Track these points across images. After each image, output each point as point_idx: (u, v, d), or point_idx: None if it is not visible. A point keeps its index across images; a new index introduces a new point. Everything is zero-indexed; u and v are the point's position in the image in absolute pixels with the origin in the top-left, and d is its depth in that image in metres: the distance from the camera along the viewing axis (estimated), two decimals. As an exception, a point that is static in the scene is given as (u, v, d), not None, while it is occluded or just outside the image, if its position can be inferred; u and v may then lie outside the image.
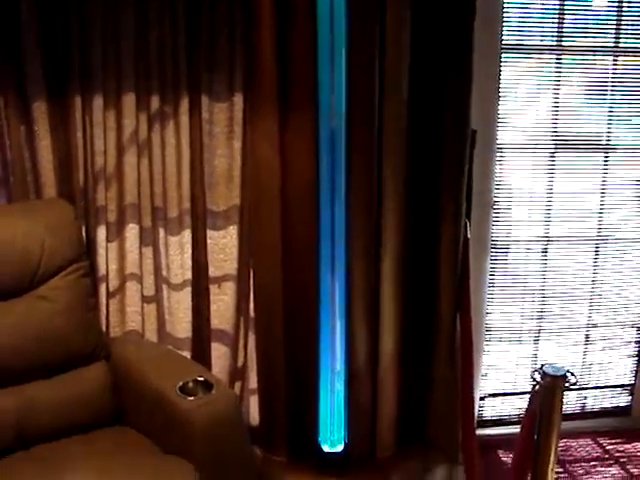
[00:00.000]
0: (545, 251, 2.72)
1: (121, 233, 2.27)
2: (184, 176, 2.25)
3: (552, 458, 1.99)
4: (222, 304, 2.37)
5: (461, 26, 2.14)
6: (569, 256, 2.75)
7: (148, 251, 2.30)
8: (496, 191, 2.59)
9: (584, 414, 2.97)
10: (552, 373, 1.94)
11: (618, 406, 2.99)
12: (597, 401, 2.98)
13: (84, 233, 2.20)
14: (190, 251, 2.31)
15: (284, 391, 2.39)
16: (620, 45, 2.52)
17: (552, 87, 2.53)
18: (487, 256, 2.64)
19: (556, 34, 2.48)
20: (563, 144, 2.60)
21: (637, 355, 2.92)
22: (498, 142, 2.53)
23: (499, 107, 2.49)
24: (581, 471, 2.67)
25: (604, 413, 2.98)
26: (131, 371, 2.08)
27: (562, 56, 2.50)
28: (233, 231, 2.32)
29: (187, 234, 2.30)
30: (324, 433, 2.38)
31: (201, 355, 2.39)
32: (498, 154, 2.55)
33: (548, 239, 2.71)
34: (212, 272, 2.36)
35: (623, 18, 2.49)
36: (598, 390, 2.96)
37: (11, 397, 1.93)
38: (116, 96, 2.15)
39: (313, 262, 2.25)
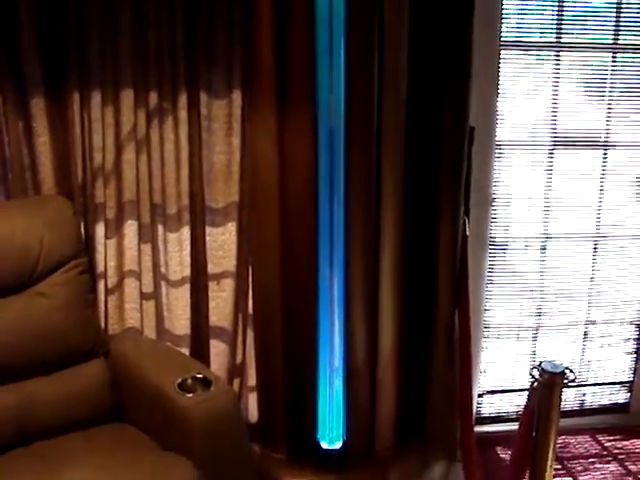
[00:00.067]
0: (544, 248, 2.72)
1: (120, 230, 2.27)
2: (183, 172, 2.25)
3: (550, 455, 1.99)
4: (221, 301, 2.37)
5: (460, 23, 2.14)
6: (568, 253, 2.75)
7: (147, 248, 2.29)
8: (495, 188, 2.59)
9: (582, 411, 2.98)
10: (550, 370, 1.94)
11: (616, 403, 3.00)
12: (595, 398, 2.98)
13: (83, 230, 2.19)
14: (189, 248, 2.31)
15: (283, 388, 2.39)
16: (619, 42, 2.52)
17: (551, 84, 2.53)
18: (486, 253, 2.64)
19: (555, 31, 2.48)
20: (562, 141, 2.60)
21: (635, 352, 2.93)
22: (497, 139, 2.53)
23: (498, 104, 2.49)
24: (579, 468, 2.68)
25: (602, 410, 2.99)
26: (130, 368, 2.08)
27: (561, 53, 2.50)
28: (232, 228, 2.33)
29: (186, 231, 2.30)
30: (323, 430, 2.38)
31: (200, 352, 2.39)
32: (497, 151, 2.55)
33: (547, 236, 2.71)
34: (211, 269, 2.36)
35: (622, 15, 2.49)
36: (596, 387, 2.97)
37: (11, 394, 1.93)
38: (114, 92, 2.14)
39: (312, 259, 2.25)
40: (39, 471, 1.78)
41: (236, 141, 2.25)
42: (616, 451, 2.78)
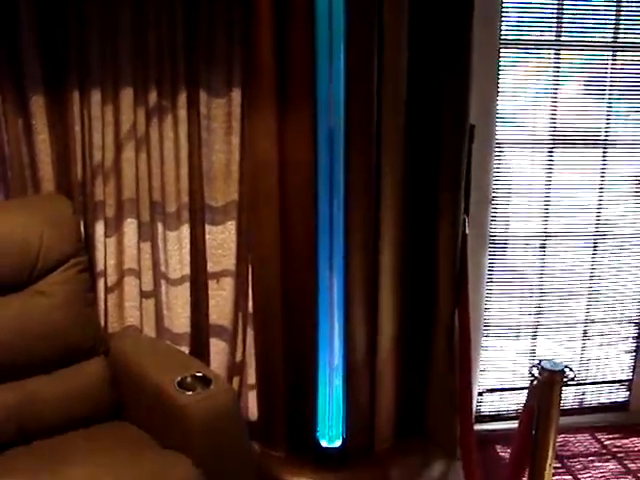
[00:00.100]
0: (543, 247, 2.72)
1: (119, 228, 2.27)
2: (182, 171, 2.25)
3: (550, 453, 1.99)
4: (220, 299, 2.37)
5: (460, 21, 2.13)
6: (567, 252, 2.75)
7: (146, 246, 2.30)
8: (494, 186, 2.59)
9: (582, 409, 2.98)
10: (550, 368, 1.94)
11: (616, 401, 3.00)
12: (595, 396, 2.99)
13: (82, 228, 2.19)
14: (188, 246, 2.31)
15: (282, 386, 2.39)
16: (619, 41, 2.52)
17: (551, 82, 2.53)
18: (485, 252, 2.65)
19: (555, 29, 2.48)
20: (561, 140, 2.60)
21: (635, 351, 2.93)
22: (497, 137, 2.53)
23: (498, 102, 2.49)
24: (579, 466, 2.68)
25: (602, 408, 2.99)
26: (130, 366, 2.08)
27: (561, 51, 2.50)
28: (231, 226, 2.33)
29: (185, 229, 2.30)
30: (322, 428, 2.38)
31: (199, 350, 2.39)
32: (497, 149, 2.55)
33: (546, 235, 2.71)
34: (210, 267, 2.36)
35: (622, 14, 2.49)
36: (596, 385, 2.97)
37: (11, 392, 1.93)
38: (114, 91, 2.14)
39: (312, 257, 2.25)
40: (39, 469, 1.78)
41: (235, 140, 2.25)
42: (615, 449, 2.78)
